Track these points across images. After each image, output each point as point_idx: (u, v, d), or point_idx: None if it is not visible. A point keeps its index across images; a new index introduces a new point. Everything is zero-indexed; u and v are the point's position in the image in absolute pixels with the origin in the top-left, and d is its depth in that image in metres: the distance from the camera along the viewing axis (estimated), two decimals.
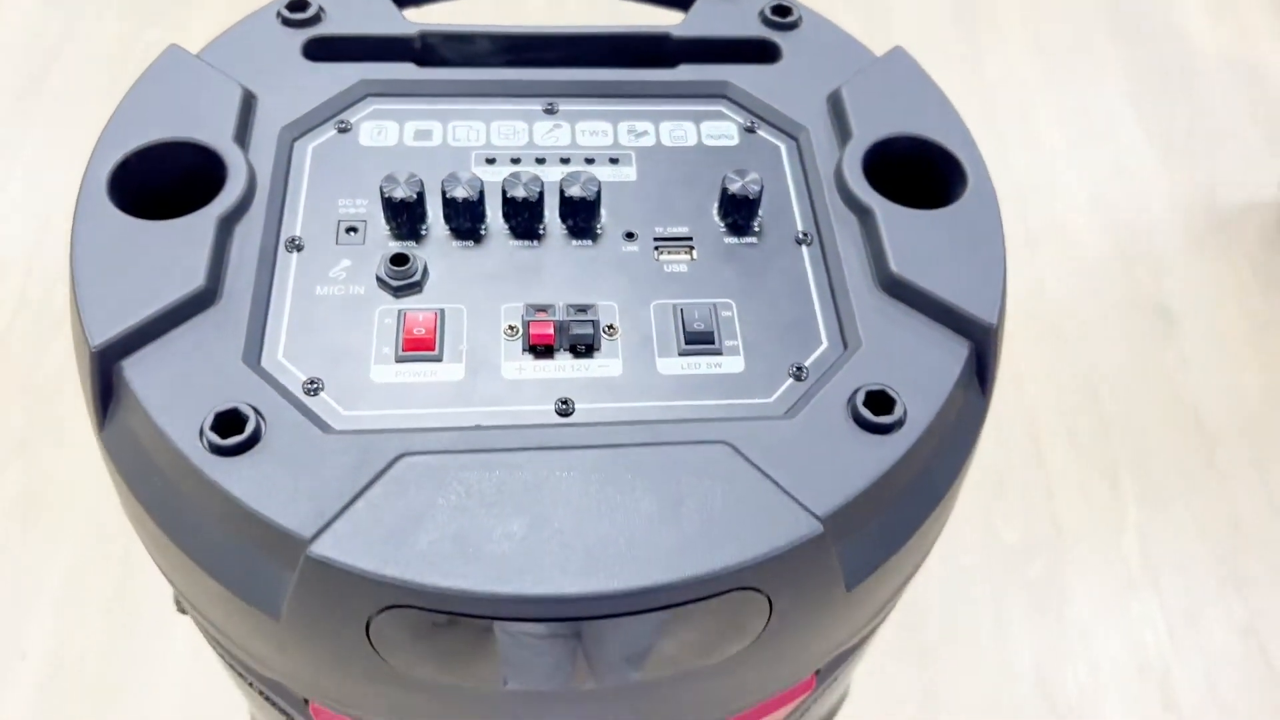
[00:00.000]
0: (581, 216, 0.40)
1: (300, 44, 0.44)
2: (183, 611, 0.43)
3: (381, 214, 0.40)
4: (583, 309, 0.38)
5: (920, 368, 0.37)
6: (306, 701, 0.39)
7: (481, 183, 0.39)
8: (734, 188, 0.40)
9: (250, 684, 0.41)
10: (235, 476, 0.32)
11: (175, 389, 0.34)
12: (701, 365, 0.37)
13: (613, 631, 0.32)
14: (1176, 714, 0.79)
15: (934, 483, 0.36)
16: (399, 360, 0.36)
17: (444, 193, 0.39)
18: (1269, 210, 1.12)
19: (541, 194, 0.39)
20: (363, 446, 0.33)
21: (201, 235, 0.37)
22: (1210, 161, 1.16)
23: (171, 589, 0.43)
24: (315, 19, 0.45)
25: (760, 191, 0.40)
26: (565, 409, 0.35)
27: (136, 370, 0.34)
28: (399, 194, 0.38)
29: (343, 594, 0.31)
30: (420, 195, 0.39)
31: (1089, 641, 0.82)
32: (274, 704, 0.41)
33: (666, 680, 0.34)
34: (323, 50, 0.45)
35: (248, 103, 0.41)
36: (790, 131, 0.44)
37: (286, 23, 0.45)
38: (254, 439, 0.33)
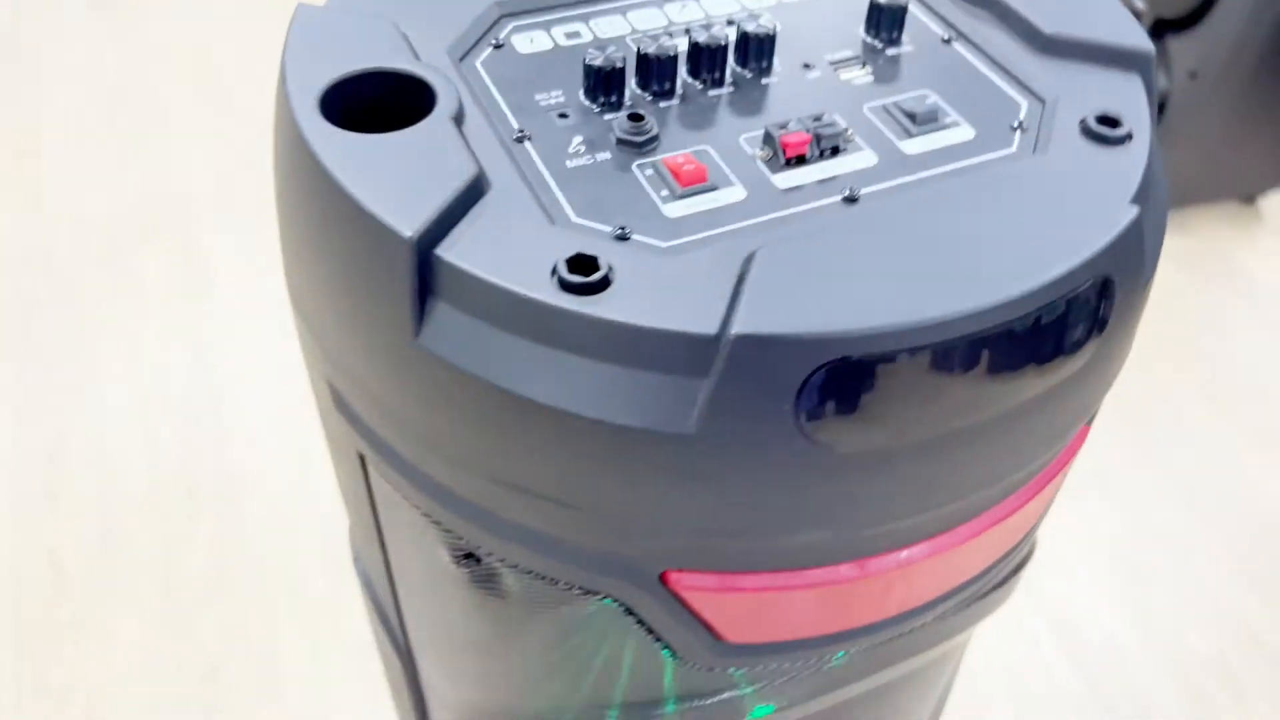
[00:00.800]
0: (765, 55, 0.42)
1: None
2: (470, 560, 0.41)
3: (582, 98, 0.40)
4: (816, 118, 0.39)
5: (1114, 96, 0.41)
6: (662, 579, 0.38)
7: (674, 43, 0.40)
8: (884, 0, 0.43)
9: (576, 590, 0.39)
10: (611, 308, 0.32)
11: (505, 255, 0.33)
12: (940, 139, 0.39)
13: (1019, 339, 0.33)
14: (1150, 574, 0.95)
15: (1160, 186, 0.40)
16: (681, 197, 0.37)
17: (640, 55, 0.40)
18: None
19: (727, 40, 0.41)
20: (710, 258, 0.34)
21: (445, 136, 0.36)
22: None
23: (446, 542, 0.41)
24: None
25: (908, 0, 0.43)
26: (850, 195, 0.37)
27: (455, 251, 0.33)
28: (602, 62, 0.39)
29: (770, 369, 0.31)
30: (623, 64, 0.40)
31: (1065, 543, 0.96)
32: (614, 600, 0.39)
33: (1025, 407, 0.36)
34: None
35: (404, 36, 0.41)
36: None
37: None
38: (608, 277, 0.33)
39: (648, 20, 0.45)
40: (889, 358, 0.32)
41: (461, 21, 0.43)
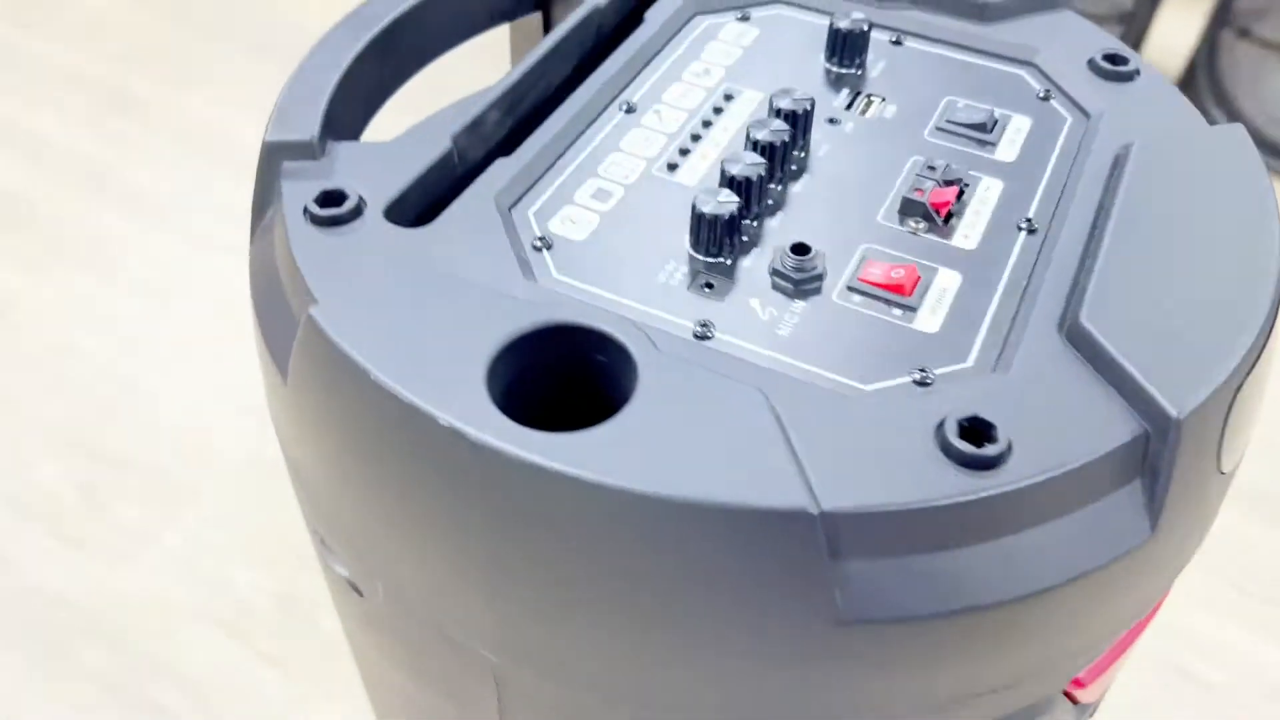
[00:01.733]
0: (808, 128, 0.38)
1: (380, 216, 0.34)
2: None
3: (699, 255, 0.34)
4: (930, 167, 0.36)
5: (1078, 36, 0.42)
6: (1068, 696, 0.34)
7: (754, 153, 0.35)
8: (843, 25, 0.41)
9: None
10: (1036, 461, 0.27)
11: (879, 468, 0.27)
12: (1014, 137, 0.38)
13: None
14: None
15: None
16: (916, 308, 0.32)
17: (730, 180, 0.34)
18: None
19: (791, 134, 0.36)
20: (1040, 353, 0.30)
21: (690, 379, 0.28)
22: None
23: None
24: (358, 210, 0.34)
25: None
26: (1029, 227, 0.35)
27: (842, 494, 0.26)
28: (715, 210, 0.33)
29: (1204, 428, 0.29)
30: (737, 206, 0.33)
31: None
32: None
33: None
34: (405, 213, 0.35)
35: (480, 285, 0.31)
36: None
37: (320, 221, 0.33)
38: (1004, 452, 0.28)
39: (646, 144, 0.38)
40: (1257, 364, 0.31)
41: (494, 238, 0.33)
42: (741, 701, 0.30)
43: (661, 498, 0.26)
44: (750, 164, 0.34)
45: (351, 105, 0.39)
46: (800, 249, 0.33)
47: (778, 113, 0.37)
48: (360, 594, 0.35)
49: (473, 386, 0.28)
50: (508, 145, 0.40)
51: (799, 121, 0.37)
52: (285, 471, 0.37)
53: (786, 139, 0.36)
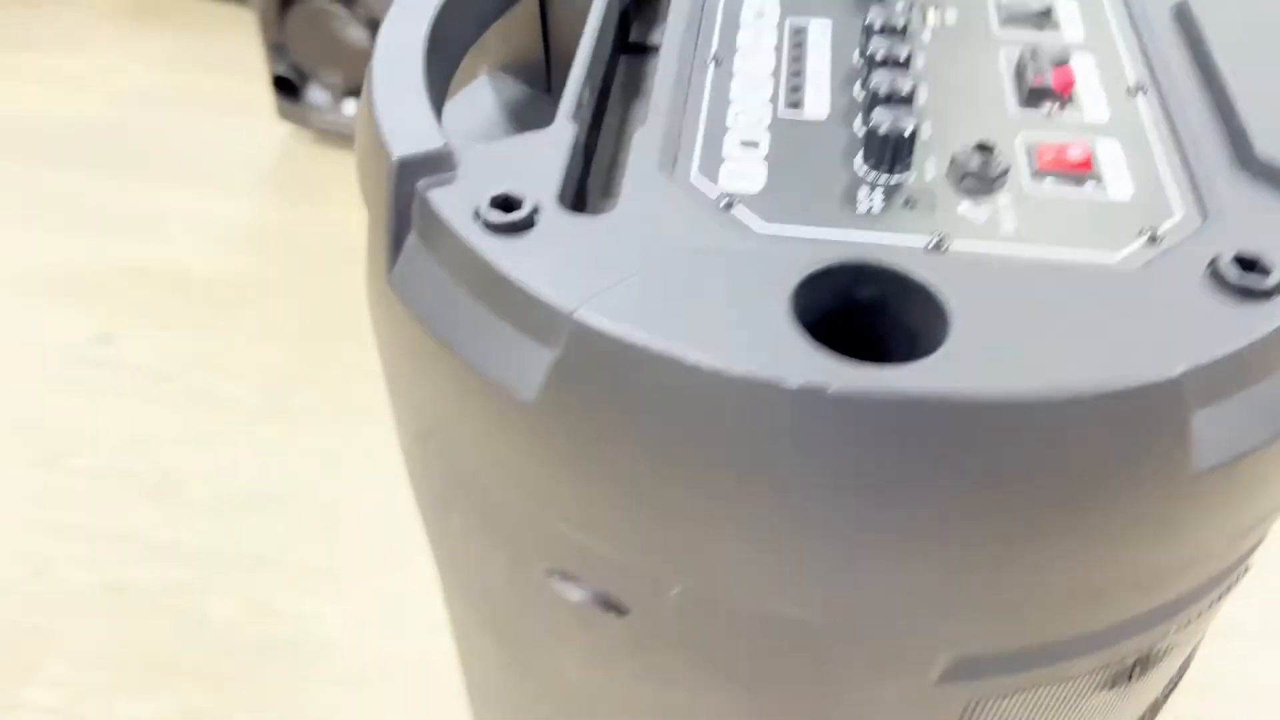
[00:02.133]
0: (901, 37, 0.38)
1: (559, 210, 0.31)
2: None
3: (882, 175, 0.33)
4: (1033, 54, 0.37)
5: None
6: None
7: (887, 68, 0.35)
8: None
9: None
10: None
11: (1206, 340, 0.28)
12: (1072, 15, 0.40)
13: None
14: None
15: None
16: (1097, 177, 0.33)
17: (881, 96, 0.34)
18: None
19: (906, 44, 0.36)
20: (1229, 186, 0.32)
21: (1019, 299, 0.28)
22: None
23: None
24: (537, 208, 0.31)
25: None
26: (1139, 87, 0.37)
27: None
28: (890, 128, 0.33)
29: None
30: (914, 123, 0.33)
31: None
32: None
33: None
34: (566, 204, 0.32)
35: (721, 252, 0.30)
36: None
37: (503, 229, 0.31)
38: None
39: (756, 90, 0.37)
40: None
41: (688, 206, 0.32)
42: (1090, 578, 0.30)
43: (1047, 399, 0.26)
44: (899, 79, 0.34)
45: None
46: (984, 147, 0.33)
47: (881, 30, 0.37)
48: (623, 612, 0.33)
49: (794, 342, 0.27)
50: (596, 121, 0.38)
51: (901, 36, 0.37)
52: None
53: (909, 52, 0.36)
